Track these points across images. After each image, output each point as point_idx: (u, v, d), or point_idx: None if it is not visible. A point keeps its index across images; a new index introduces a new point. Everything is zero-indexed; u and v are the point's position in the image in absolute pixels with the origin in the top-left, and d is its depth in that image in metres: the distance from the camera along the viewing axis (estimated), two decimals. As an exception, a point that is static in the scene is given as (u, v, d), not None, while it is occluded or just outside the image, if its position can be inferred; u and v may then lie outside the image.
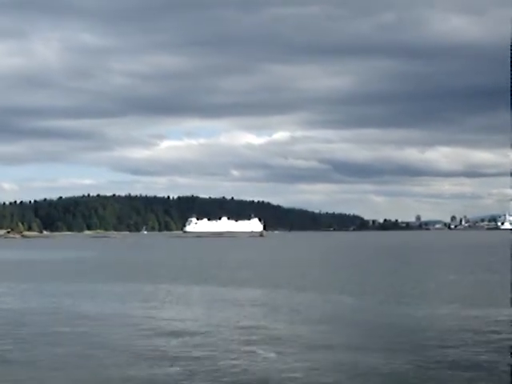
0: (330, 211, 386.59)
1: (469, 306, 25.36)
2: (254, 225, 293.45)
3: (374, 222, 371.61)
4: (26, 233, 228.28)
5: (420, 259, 64.31)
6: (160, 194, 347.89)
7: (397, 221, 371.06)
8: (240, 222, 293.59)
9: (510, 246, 44.79)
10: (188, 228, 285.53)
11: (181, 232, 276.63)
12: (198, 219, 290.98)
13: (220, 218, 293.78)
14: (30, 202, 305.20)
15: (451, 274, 42.37)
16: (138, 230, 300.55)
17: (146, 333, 19.94)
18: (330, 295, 29.96)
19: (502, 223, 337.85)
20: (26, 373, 14.72)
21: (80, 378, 14.28)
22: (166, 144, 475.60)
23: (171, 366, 15.07)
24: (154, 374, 14.44)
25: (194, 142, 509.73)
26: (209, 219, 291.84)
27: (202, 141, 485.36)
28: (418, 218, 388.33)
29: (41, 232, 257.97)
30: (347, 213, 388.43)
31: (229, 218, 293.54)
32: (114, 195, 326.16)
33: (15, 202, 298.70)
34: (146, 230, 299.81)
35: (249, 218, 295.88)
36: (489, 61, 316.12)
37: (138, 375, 14.31)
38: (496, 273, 41.81)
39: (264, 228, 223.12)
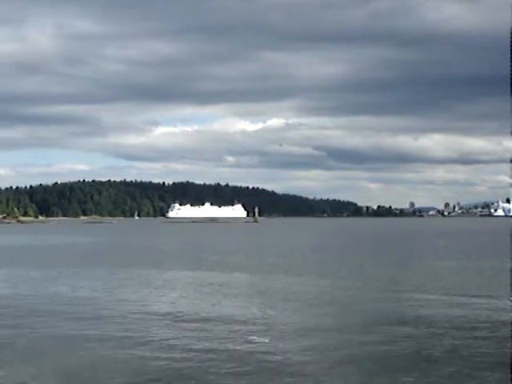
0: (325, 197, 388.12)
1: (462, 293, 25.73)
2: (238, 211, 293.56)
3: (367, 208, 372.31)
4: (22, 218, 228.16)
5: (414, 246, 65.10)
6: (155, 180, 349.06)
7: (390, 207, 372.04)
8: (223, 207, 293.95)
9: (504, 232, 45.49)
10: (170, 214, 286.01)
11: (166, 217, 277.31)
12: (180, 205, 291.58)
13: (203, 204, 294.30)
14: (26, 187, 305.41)
15: (444, 260, 43.02)
16: (133, 215, 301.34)
17: (137, 317, 20.32)
18: (323, 280, 30.49)
19: (495, 210, 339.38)
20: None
21: (71, 362, 14.79)
22: (160, 130, 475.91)
23: (163, 352, 15.29)
24: (146, 359, 14.68)
25: (188, 128, 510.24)
26: (191, 205, 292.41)
27: (196, 127, 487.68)
28: (412, 204, 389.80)
29: (36, 217, 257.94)
30: (341, 199, 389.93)
31: (212, 204, 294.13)
32: (109, 181, 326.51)
33: (11, 187, 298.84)
34: (138, 215, 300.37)
35: (232, 204, 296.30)
36: (482, 49, 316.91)
37: (129, 360, 14.56)
38: (488, 259, 42.68)
39: (259, 214, 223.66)
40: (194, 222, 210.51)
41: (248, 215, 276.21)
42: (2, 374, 13.41)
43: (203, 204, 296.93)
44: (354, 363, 14.14)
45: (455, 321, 19.15)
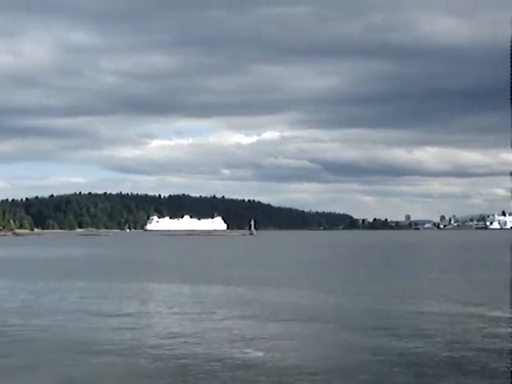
0: (320, 210, 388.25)
1: (458, 304, 25.91)
2: (217, 223, 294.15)
3: (363, 221, 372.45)
4: (18, 230, 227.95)
5: (409, 258, 65.28)
6: (151, 193, 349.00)
7: (386, 220, 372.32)
8: (203, 220, 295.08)
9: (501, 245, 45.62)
10: (149, 226, 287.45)
11: (144, 230, 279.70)
12: (159, 217, 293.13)
13: (182, 217, 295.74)
14: (22, 199, 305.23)
15: (438, 272, 43.15)
16: (129, 227, 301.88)
17: (133, 332, 20.42)
18: (318, 293, 30.61)
19: (491, 223, 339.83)
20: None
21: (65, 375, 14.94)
22: (155, 143, 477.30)
23: (158, 365, 15.27)
24: (140, 372, 14.73)
25: (183, 141, 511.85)
26: (170, 217, 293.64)
27: (191, 140, 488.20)
28: (408, 217, 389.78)
29: (32, 230, 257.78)
30: (337, 212, 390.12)
31: (191, 217, 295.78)
32: (105, 193, 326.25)
33: (6, 199, 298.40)
34: (129, 228, 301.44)
35: (212, 217, 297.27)
36: (477, 62, 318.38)
37: (124, 372, 14.53)
38: (484, 272, 42.86)
39: (255, 227, 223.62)
40: (189, 234, 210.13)
41: (228, 228, 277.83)
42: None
43: (182, 217, 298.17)
44: (349, 376, 14.16)
45: (452, 332, 19.20)
